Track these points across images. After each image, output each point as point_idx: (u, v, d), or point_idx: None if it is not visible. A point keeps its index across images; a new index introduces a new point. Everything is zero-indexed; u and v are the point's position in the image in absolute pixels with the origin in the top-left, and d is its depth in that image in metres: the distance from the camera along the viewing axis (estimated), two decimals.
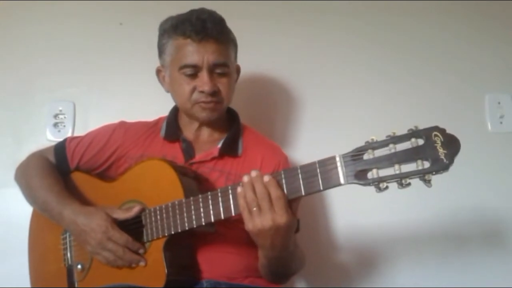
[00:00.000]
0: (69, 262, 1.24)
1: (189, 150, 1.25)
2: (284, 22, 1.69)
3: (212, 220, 1.02)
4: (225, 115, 1.31)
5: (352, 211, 1.57)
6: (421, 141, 0.81)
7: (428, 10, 1.73)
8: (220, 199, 1.01)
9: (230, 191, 0.99)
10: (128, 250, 1.11)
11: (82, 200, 1.23)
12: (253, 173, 0.94)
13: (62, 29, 1.67)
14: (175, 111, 1.33)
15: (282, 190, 0.93)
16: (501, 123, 1.70)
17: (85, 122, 1.61)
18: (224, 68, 1.19)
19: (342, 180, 0.87)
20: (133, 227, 1.14)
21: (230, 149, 1.25)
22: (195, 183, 1.15)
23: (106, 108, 1.62)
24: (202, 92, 1.17)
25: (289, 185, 0.93)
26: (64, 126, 1.62)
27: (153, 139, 1.30)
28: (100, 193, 1.25)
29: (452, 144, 0.79)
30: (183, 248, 1.14)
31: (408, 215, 1.57)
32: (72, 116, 1.62)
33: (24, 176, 1.31)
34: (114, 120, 1.35)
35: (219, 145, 1.25)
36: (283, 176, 0.94)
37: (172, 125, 1.30)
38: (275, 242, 0.96)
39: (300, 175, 0.92)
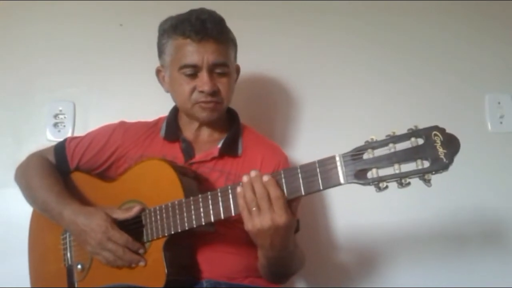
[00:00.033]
0: (69, 262, 1.24)
1: (189, 150, 1.25)
2: (284, 22, 1.69)
3: (212, 220, 1.02)
4: (225, 115, 1.31)
5: (352, 211, 1.57)
6: (420, 141, 0.81)
7: (428, 10, 1.73)
8: (220, 199, 1.01)
9: (230, 191, 0.99)
10: (128, 250, 1.11)
11: (82, 200, 1.23)
12: (253, 173, 0.94)
13: (62, 29, 1.67)
14: (175, 111, 1.33)
15: (281, 190, 0.93)
16: (501, 123, 1.70)
17: (85, 122, 1.61)
18: (224, 68, 1.19)
19: (342, 180, 0.87)
20: (133, 227, 1.14)
21: (230, 149, 1.25)
22: (195, 183, 1.15)
23: (106, 108, 1.61)
24: (202, 92, 1.17)
25: (289, 184, 0.93)
26: (64, 126, 1.62)
27: (153, 139, 1.30)
28: (100, 193, 1.25)
29: (451, 144, 0.79)
30: (183, 248, 1.14)
31: (408, 215, 1.57)
32: (72, 116, 1.62)
33: (24, 176, 1.31)
34: (114, 120, 1.35)
35: (219, 145, 1.25)
36: (283, 175, 0.93)
37: (172, 125, 1.30)
38: (274, 242, 0.96)
39: (300, 175, 0.91)
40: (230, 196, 0.99)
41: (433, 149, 0.79)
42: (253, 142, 1.29)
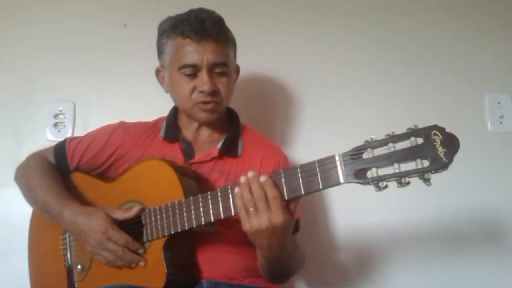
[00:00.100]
0: (69, 263, 1.24)
1: (188, 150, 1.25)
2: (284, 22, 1.69)
3: (212, 219, 1.02)
4: (225, 115, 1.31)
5: (352, 211, 1.57)
6: (420, 140, 0.81)
7: (428, 10, 1.73)
8: (219, 198, 1.01)
9: (229, 191, 0.99)
10: (128, 250, 1.11)
11: (82, 200, 1.23)
12: (250, 174, 0.94)
13: (62, 29, 1.67)
14: (174, 111, 1.33)
15: (279, 190, 0.93)
16: (501, 123, 1.70)
17: (85, 122, 1.61)
18: (224, 67, 1.19)
19: (341, 179, 0.87)
20: (133, 227, 1.14)
21: (229, 149, 1.25)
22: (195, 183, 1.15)
23: (106, 108, 1.62)
24: (201, 92, 1.17)
25: (289, 184, 0.93)
26: (64, 126, 1.62)
27: (153, 139, 1.30)
28: (100, 193, 1.25)
29: (451, 143, 0.79)
30: (183, 248, 1.14)
31: (408, 215, 1.57)
32: (72, 116, 1.62)
33: (24, 176, 1.31)
34: (114, 120, 1.35)
35: (219, 145, 1.25)
36: (282, 175, 0.93)
37: (171, 125, 1.30)
38: (272, 242, 0.96)
39: (299, 174, 0.91)
40: (230, 196, 0.99)
41: (433, 148, 0.79)
42: (253, 142, 1.29)
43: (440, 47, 1.71)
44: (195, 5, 1.20)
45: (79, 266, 1.21)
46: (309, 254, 1.33)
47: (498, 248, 1.60)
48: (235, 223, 1.10)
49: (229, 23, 1.22)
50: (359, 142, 0.86)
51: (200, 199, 1.04)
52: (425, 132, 0.81)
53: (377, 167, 0.83)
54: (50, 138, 1.60)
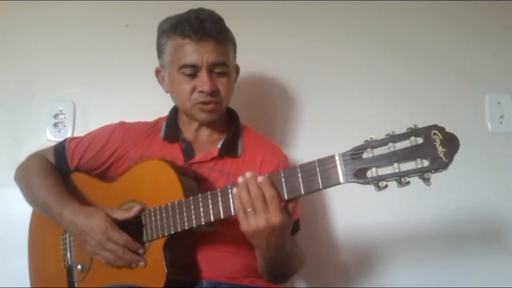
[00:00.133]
0: (69, 263, 1.24)
1: (188, 150, 1.25)
2: (284, 22, 1.69)
3: (212, 219, 1.02)
4: (225, 115, 1.31)
5: (352, 211, 1.57)
6: (420, 140, 0.81)
7: (428, 10, 1.73)
8: (219, 198, 1.01)
9: (229, 191, 0.99)
10: (128, 250, 1.11)
11: (82, 200, 1.23)
12: (248, 174, 0.94)
13: (62, 29, 1.67)
14: (174, 111, 1.33)
15: (276, 190, 0.93)
16: (501, 123, 1.70)
17: (85, 122, 1.61)
18: (223, 67, 1.19)
19: (341, 179, 0.87)
20: (133, 227, 1.14)
21: (229, 149, 1.25)
22: (195, 183, 1.15)
23: (106, 108, 1.62)
24: (201, 92, 1.17)
25: (289, 184, 0.93)
26: (64, 126, 1.62)
27: (153, 140, 1.30)
28: (100, 193, 1.25)
29: (451, 143, 0.79)
30: (183, 248, 1.14)
31: (408, 215, 1.57)
32: (72, 116, 1.62)
33: (24, 176, 1.31)
34: (114, 120, 1.35)
35: (219, 145, 1.25)
36: (282, 175, 0.93)
37: (171, 125, 1.30)
38: (270, 242, 0.96)
39: (299, 174, 0.91)
40: (230, 196, 0.99)
41: (433, 148, 0.79)
42: (252, 142, 1.29)
43: (440, 47, 1.71)
44: (195, 5, 1.20)
45: (79, 266, 1.21)
46: (309, 254, 1.33)
47: (498, 248, 1.60)
48: (235, 223, 1.09)
49: (229, 23, 1.22)
50: (359, 142, 0.86)
51: (200, 199, 1.04)
52: (425, 131, 0.81)
53: (377, 166, 0.83)
54: (50, 138, 1.60)
